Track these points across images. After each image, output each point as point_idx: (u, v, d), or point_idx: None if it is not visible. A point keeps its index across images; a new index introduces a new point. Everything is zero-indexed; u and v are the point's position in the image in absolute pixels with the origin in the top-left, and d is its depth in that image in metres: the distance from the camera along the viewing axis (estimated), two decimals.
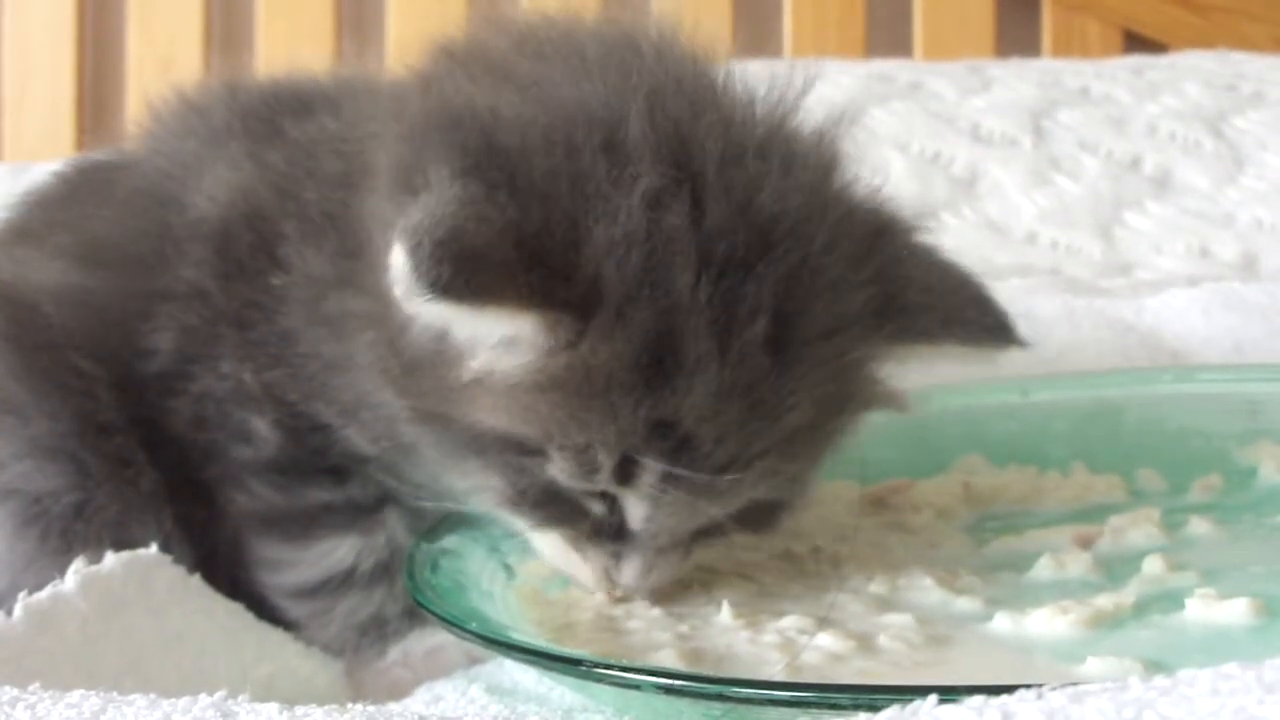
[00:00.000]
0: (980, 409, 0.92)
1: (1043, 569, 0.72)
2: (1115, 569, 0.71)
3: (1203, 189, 1.46)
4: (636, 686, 0.55)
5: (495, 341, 0.62)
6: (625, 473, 0.64)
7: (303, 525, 0.77)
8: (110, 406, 0.78)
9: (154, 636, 0.68)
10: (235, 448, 0.77)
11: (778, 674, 0.60)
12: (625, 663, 0.58)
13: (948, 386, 0.91)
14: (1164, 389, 0.91)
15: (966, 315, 0.70)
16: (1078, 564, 0.72)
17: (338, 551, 0.77)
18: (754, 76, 0.70)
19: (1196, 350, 1.02)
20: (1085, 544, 0.75)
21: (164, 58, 2.31)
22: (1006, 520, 0.81)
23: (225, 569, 0.78)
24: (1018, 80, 1.63)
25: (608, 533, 0.67)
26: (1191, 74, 1.64)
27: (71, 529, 0.77)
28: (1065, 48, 2.17)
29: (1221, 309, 1.06)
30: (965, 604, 0.69)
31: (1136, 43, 2.21)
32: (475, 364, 0.64)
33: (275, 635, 0.74)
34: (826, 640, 0.63)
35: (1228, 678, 0.42)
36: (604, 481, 0.64)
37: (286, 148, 0.78)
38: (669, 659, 0.61)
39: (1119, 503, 0.82)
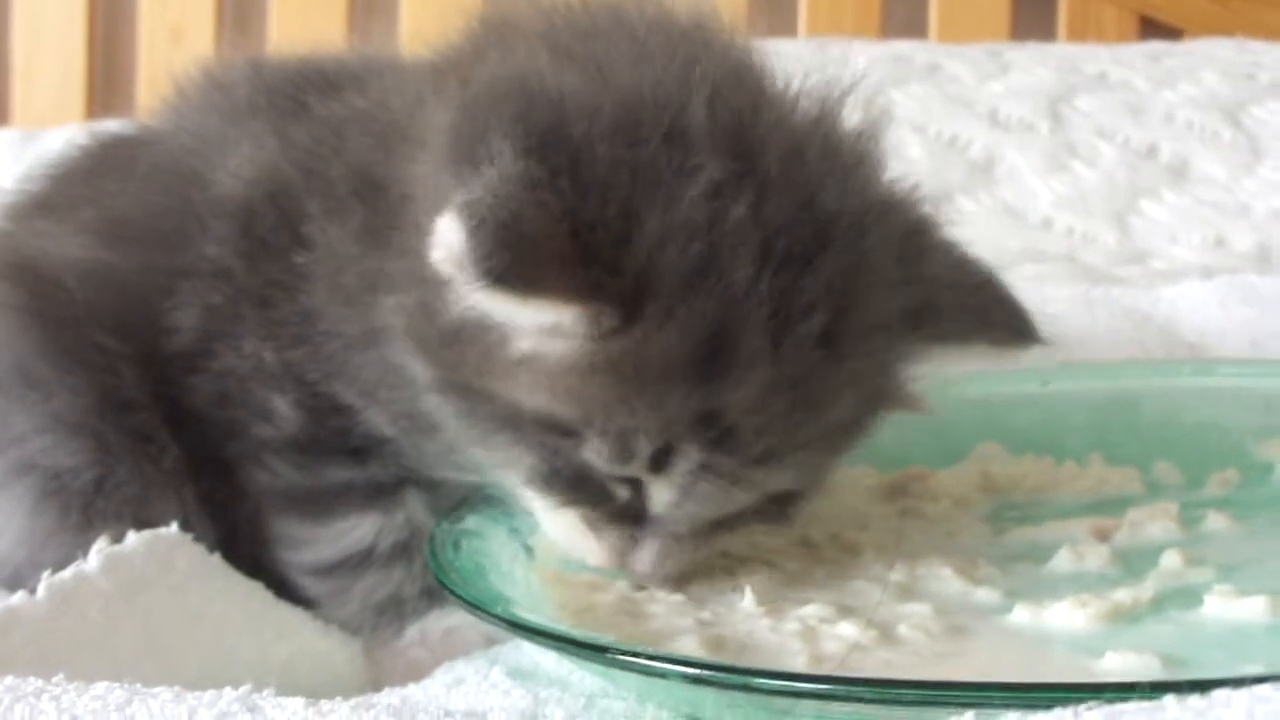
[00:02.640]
0: (999, 397, 0.93)
1: (1061, 561, 0.72)
2: (1133, 562, 0.71)
3: (1219, 179, 1.46)
4: (662, 675, 0.55)
5: (538, 327, 0.63)
6: (660, 460, 0.64)
7: (322, 503, 0.78)
8: (132, 383, 0.78)
9: (175, 616, 0.68)
10: (256, 426, 0.77)
11: (801, 665, 0.60)
12: (651, 650, 0.58)
13: (966, 374, 0.91)
14: (1183, 382, 0.91)
15: (994, 316, 0.71)
16: (1096, 557, 0.72)
17: (357, 530, 0.77)
18: (781, 64, 0.70)
19: (1213, 344, 1.02)
20: (1103, 536, 0.75)
21: (175, 26, 2.31)
22: (1024, 510, 0.82)
23: (246, 546, 0.78)
24: (1036, 65, 1.63)
25: (628, 517, 0.68)
26: (1209, 62, 1.64)
27: (92, 505, 0.77)
28: (1081, 32, 2.17)
29: (1238, 302, 1.06)
30: (985, 595, 0.69)
31: (1152, 28, 2.21)
32: (520, 345, 0.64)
33: (295, 614, 0.75)
34: (848, 630, 0.63)
35: (1263, 700, 0.42)
36: (638, 468, 0.65)
37: (312, 125, 0.78)
38: (690, 645, 0.62)
39: (1136, 495, 0.82)
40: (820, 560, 0.74)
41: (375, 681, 0.75)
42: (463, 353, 0.66)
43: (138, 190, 0.82)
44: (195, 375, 0.78)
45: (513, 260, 0.59)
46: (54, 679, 0.55)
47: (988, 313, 0.72)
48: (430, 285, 0.65)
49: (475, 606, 0.64)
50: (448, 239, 0.61)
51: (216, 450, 0.79)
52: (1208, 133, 1.52)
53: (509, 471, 0.69)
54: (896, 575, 0.71)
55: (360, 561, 0.77)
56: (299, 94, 0.81)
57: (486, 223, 0.59)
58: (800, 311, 0.62)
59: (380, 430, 0.76)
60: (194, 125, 0.83)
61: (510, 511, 0.74)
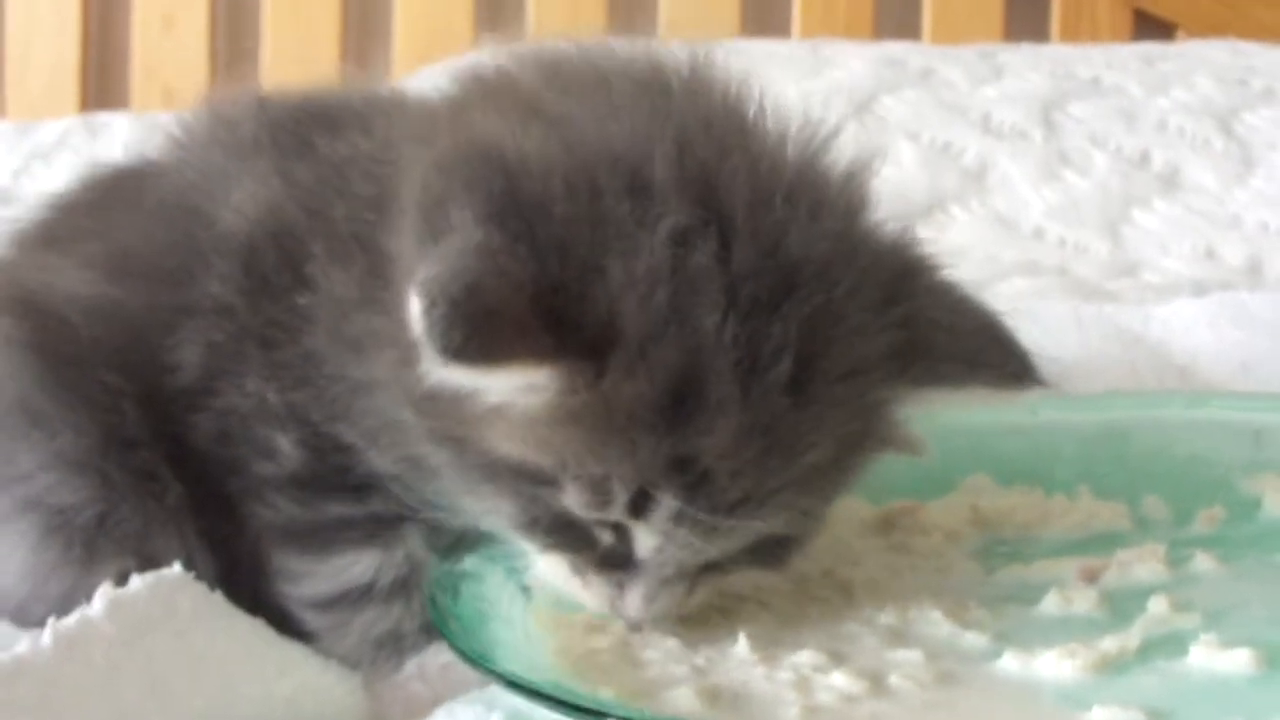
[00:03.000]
0: (988, 427, 0.93)
1: (1050, 604, 0.73)
2: (1120, 606, 0.73)
3: (1211, 189, 1.46)
4: None
5: (509, 389, 0.64)
6: (639, 505, 0.65)
7: (322, 538, 0.79)
8: (135, 421, 0.79)
9: (179, 658, 0.69)
10: (258, 463, 0.78)
11: (794, 718, 0.61)
12: (649, 715, 0.59)
13: (955, 402, 0.92)
14: (1173, 414, 0.92)
15: (990, 358, 0.71)
16: (1084, 600, 0.73)
17: (356, 566, 0.78)
18: (787, 110, 0.71)
19: (1205, 366, 1.03)
20: (1091, 577, 0.77)
21: (167, 15, 2.31)
22: (1014, 546, 0.83)
23: (246, 580, 0.79)
24: (1029, 69, 1.63)
25: (614, 561, 0.69)
26: (1202, 65, 1.64)
27: (95, 541, 0.78)
28: (1074, 28, 2.17)
29: (1229, 324, 1.07)
30: (974, 639, 0.70)
31: (1147, 23, 2.21)
32: (490, 401, 0.65)
33: (296, 650, 0.76)
34: (840, 680, 0.65)
35: None
36: (617, 513, 0.66)
37: (316, 165, 0.79)
38: (686, 697, 0.63)
39: (1124, 532, 0.84)
40: (813, 599, 0.75)
41: (375, 716, 0.77)
42: (441, 407, 0.67)
43: (143, 225, 0.82)
44: (197, 413, 0.79)
45: (468, 335, 0.60)
46: None
47: (984, 354, 0.72)
48: (409, 344, 0.66)
49: (475, 661, 0.65)
50: (413, 311, 0.62)
51: (217, 486, 0.80)
52: (1199, 140, 1.52)
53: (495, 519, 0.71)
54: (887, 618, 0.73)
55: (360, 596, 0.78)
56: (304, 131, 0.82)
57: (438, 302, 0.60)
58: (768, 357, 0.63)
59: (382, 469, 0.77)
60: (198, 161, 0.84)
61: (506, 550, 0.75)
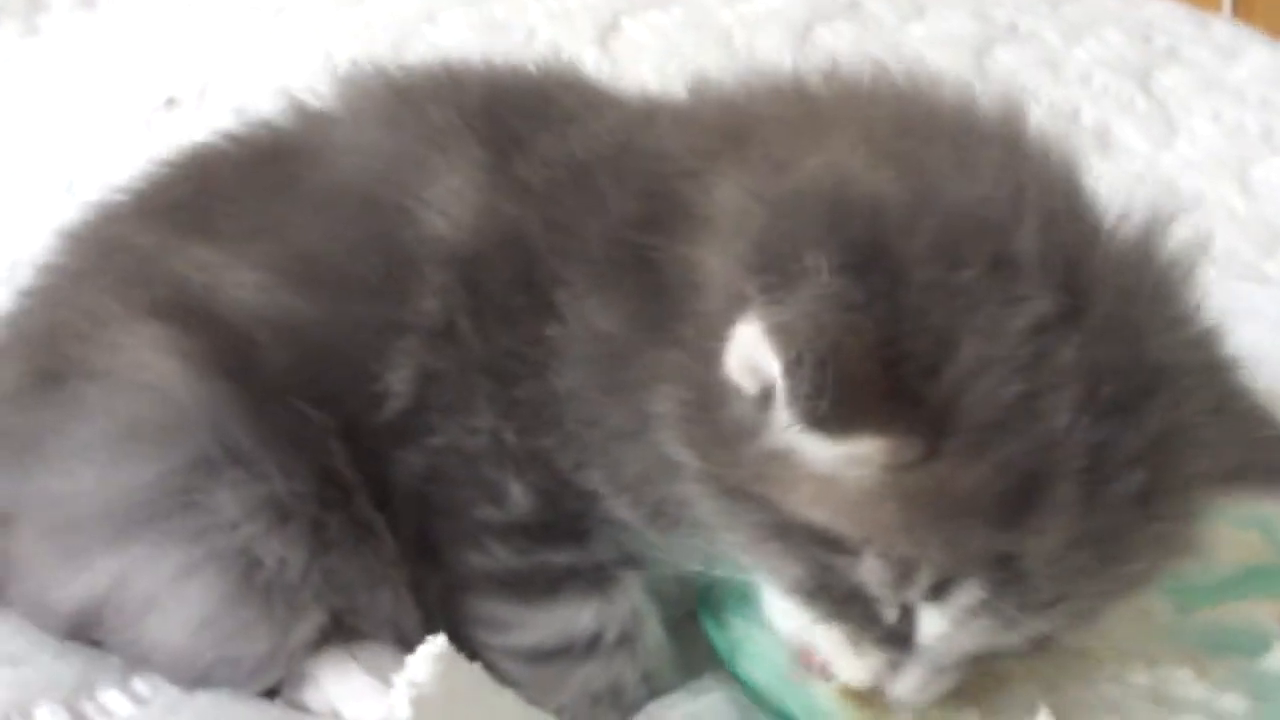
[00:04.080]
0: None
1: (1276, 658, 0.75)
2: None
3: (1142, 151, 1.50)
4: None
5: (840, 459, 0.59)
6: (940, 590, 0.62)
7: (541, 588, 0.73)
8: (344, 461, 0.70)
9: None
10: (479, 507, 0.71)
11: None
12: None
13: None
14: None
15: None
16: None
17: (581, 617, 0.73)
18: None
19: None
20: None
21: None
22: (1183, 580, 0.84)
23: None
24: (948, 8, 1.62)
25: (890, 639, 0.66)
26: (1106, 17, 1.68)
27: (298, 598, 0.70)
28: None
29: None
30: (1233, 704, 0.71)
31: None
32: (813, 468, 0.60)
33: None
34: None
35: None
36: (915, 596, 0.63)
37: (538, 165, 0.71)
38: None
39: (1271, 565, 0.86)
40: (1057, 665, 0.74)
41: None
42: (741, 457, 0.62)
43: (324, 221, 0.72)
44: (404, 449, 0.71)
45: (833, 404, 0.56)
46: None
47: None
48: (712, 385, 0.61)
49: None
50: (753, 357, 0.57)
51: (416, 526, 0.72)
52: (1124, 99, 1.56)
53: (772, 579, 0.67)
54: (1137, 677, 0.73)
55: (586, 649, 0.73)
56: (504, 119, 0.73)
57: (807, 359, 0.55)
58: (1119, 464, 0.60)
59: (620, 517, 0.71)
60: (372, 143, 0.74)
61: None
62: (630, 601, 0.73)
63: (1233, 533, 0.88)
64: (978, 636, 0.64)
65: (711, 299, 0.63)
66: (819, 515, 0.61)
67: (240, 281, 0.71)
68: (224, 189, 0.76)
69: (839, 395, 0.55)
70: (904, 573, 0.61)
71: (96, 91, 1.41)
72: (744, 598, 0.72)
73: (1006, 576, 0.61)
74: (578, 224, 0.68)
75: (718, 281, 0.63)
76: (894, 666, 0.66)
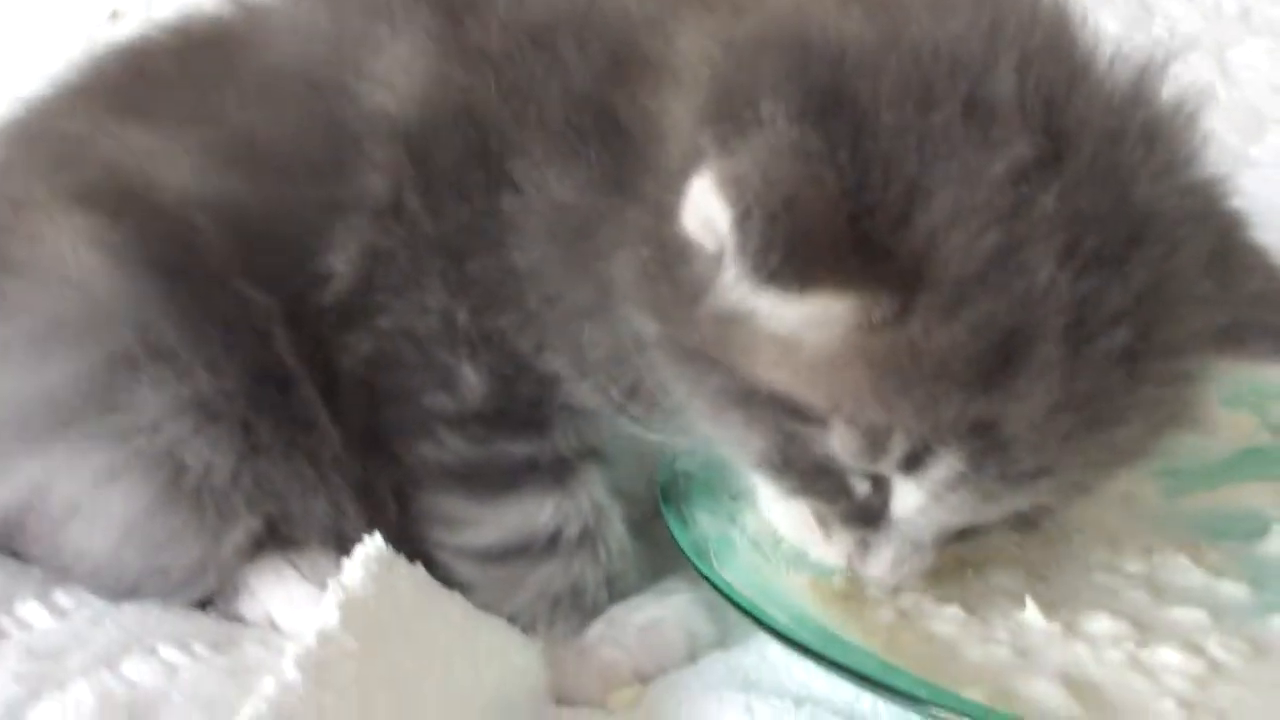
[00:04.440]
0: None
1: (1275, 544, 0.71)
2: None
3: (1114, 33, 1.44)
4: None
5: (802, 317, 0.54)
6: (915, 461, 0.57)
7: (498, 482, 0.68)
8: (287, 349, 0.65)
9: (410, 659, 0.58)
10: (430, 394, 0.66)
11: None
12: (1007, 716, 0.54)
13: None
14: None
15: None
16: None
17: (541, 513, 0.68)
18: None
19: None
20: None
21: None
22: (1167, 463, 0.79)
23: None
24: None
25: (862, 516, 0.61)
26: None
27: (227, 502, 0.65)
28: None
29: None
30: (1232, 589, 0.67)
31: None
32: (774, 328, 0.55)
33: (500, 628, 0.65)
34: (1172, 657, 0.60)
35: None
36: (887, 466, 0.58)
37: (495, 29, 0.65)
38: (1050, 693, 0.57)
39: (1268, 447, 0.82)
40: (1045, 553, 0.70)
41: (568, 691, 0.67)
42: (701, 319, 0.57)
43: (264, 102, 0.67)
44: (350, 332, 0.66)
45: (786, 258, 0.51)
46: None
47: None
48: (671, 242, 0.56)
49: (778, 632, 0.58)
50: (705, 211, 0.52)
51: (363, 419, 0.67)
52: None
53: (738, 451, 0.62)
54: (1133, 565, 0.69)
55: (543, 549, 0.68)
56: None
57: (756, 213, 0.51)
58: (1104, 322, 0.55)
59: (582, 403, 0.66)
60: (312, 22, 0.69)
61: (728, 503, 0.67)
62: (592, 497, 0.69)
63: (1225, 415, 0.84)
64: (956, 511, 0.59)
65: (673, 152, 0.58)
66: (782, 381, 0.57)
67: (177, 165, 0.66)
68: (161, 74, 0.71)
69: (792, 249, 0.51)
70: (875, 442, 0.57)
71: (38, 6, 1.36)
72: (710, 493, 0.68)
73: (985, 445, 0.56)
74: (538, 89, 0.63)
75: (680, 134, 0.58)
76: (866, 545, 0.62)
